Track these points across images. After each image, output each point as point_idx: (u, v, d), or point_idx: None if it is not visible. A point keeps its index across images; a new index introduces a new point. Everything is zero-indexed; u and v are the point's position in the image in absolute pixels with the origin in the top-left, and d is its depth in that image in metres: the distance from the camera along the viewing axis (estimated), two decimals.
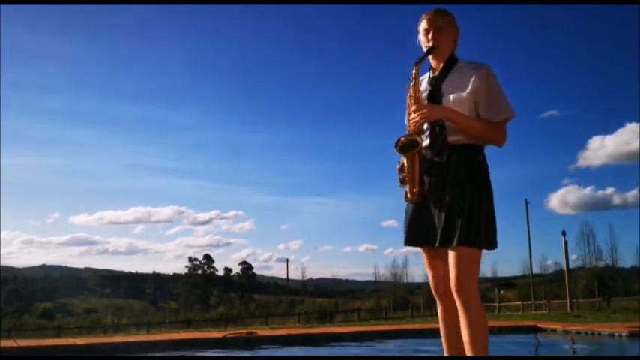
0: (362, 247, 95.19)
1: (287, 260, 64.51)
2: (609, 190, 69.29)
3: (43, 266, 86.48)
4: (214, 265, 71.59)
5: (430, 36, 2.45)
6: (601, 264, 45.79)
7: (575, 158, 79.56)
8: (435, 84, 2.46)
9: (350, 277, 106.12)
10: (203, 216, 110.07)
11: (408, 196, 2.42)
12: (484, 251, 2.34)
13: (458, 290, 2.28)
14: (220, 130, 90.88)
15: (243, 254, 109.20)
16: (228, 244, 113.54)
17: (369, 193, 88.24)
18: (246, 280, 72.21)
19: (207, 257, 71.23)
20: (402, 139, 2.40)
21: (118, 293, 72.32)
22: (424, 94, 2.48)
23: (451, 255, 2.30)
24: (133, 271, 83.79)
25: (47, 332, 26.03)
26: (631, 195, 62.47)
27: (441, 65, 2.48)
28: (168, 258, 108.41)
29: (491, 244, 2.34)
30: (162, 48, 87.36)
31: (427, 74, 2.55)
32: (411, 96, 2.47)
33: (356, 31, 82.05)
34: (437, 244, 2.34)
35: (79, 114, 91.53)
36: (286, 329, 8.10)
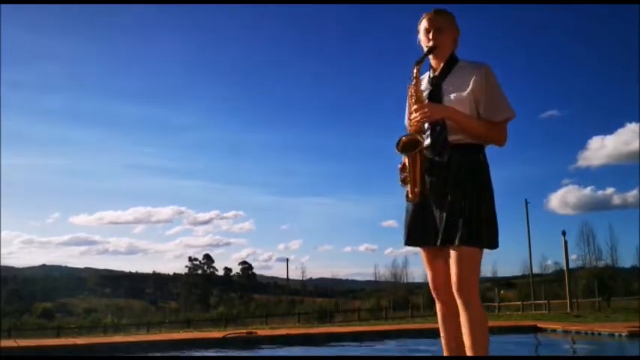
0: (362, 247, 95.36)
1: (287, 260, 64.56)
2: (609, 190, 69.41)
3: (43, 266, 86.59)
4: (214, 265, 71.73)
5: (431, 35, 2.45)
6: (601, 264, 45.89)
7: (575, 158, 79.75)
8: (436, 84, 2.46)
9: (350, 277, 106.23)
10: (203, 216, 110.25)
11: (410, 195, 2.41)
12: (485, 251, 2.34)
13: (459, 290, 2.28)
14: (220, 130, 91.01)
15: (243, 254, 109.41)
16: (228, 244, 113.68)
17: (369, 193, 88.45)
18: (246, 280, 72.21)
19: (207, 257, 71.33)
20: (404, 138, 2.40)
21: (118, 293, 72.31)
22: (424, 94, 2.48)
23: (453, 255, 2.30)
24: (133, 271, 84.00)
25: (47, 332, 26.03)
26: (631, 195, 62.56)
27: (441, 65, 2.48)
28: (168, 258, 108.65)
29: (493, 244, 2.34)
30: (162, 48, 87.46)
31: (427, 74, 2.55)
32: (412, 95, 2.46)
33: (356, 31, 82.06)
34: (438, 244, 2.33)
35: (79, 114, 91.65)
36: (286, 329, 8.10)
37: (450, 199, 2.32)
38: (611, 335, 5.73)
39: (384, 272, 61.47)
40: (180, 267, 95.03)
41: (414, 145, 2.37)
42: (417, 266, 66.35)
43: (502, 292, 41.41)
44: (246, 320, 30.72)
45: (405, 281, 58.44)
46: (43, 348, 5.06)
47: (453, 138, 2.37)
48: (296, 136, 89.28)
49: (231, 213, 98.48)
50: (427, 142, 2.41)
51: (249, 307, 46.93)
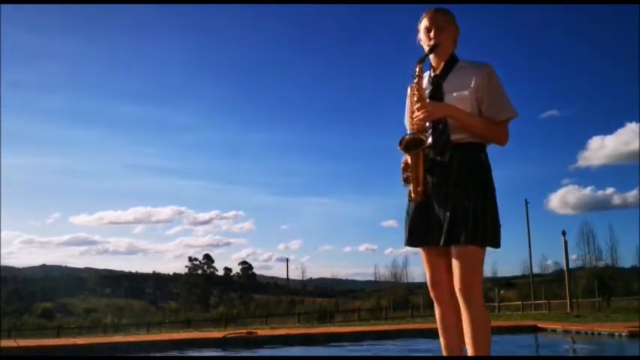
0: (362, 247, 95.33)
1: (287, 260, 64.53)
2: (609, 190, 69.38)
3: (43, 266, 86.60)
4: (214, 265, 71.75)
5: (432, 34, 2.44)
6: (601, 264, 45.87)
7: (575, 158, 79.66)
8: (437, 83, 2.46)
9: (350, 277, 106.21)
10: (203, 216, 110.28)
11: (412, 194, 2.40)
12: (485, 251, 2.34)
13: (462, 289, 2.27)
14: (220, 130, 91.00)
15: (243, 254, 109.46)
16: (228, 244, 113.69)
17: (369, 193, 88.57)
18: (246, 280, 72.21)
19: (207, 257, 71.35)
20: (407, 137, 2.38)
21: (118, 293, 72.32)
22: (426, 93, 2.47)
23: (456, 254, 2.29)
24: (133, 271, 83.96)
25: (47, 332, 26.02)
26: (631, 195, 62.53)
27: (442, 64, 2.47)
28: (168, 258, 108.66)
29: (496, 243, 2.34)
30: (162, 48, 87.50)
31: (427, 73, 2.54)
32: (414, 94, 2.45)
33: (356, 31, 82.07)
34: (441, 244, 2.32)
35: (79, 114, 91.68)
36: (286, 329, 8.10)
37: (452, 198, 2.31)
38: (611, 335, 5.73)
39: (384, 272, 61.52)
40: (180, 267, 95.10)
41: (417, 143, 2.36)
42: (417, 266, 66.40)
43: (502, 292, 41.43)
44: (246, 320, 30.71)
45: (405, 281, 58.50)
46: (43, 348, 5.06)
47: (454, 137, 2.36)
48: (296, 136, 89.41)
49: (231, 213, 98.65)
50: (429, 141, 2.41)
51: (249, 307, 46.92)
